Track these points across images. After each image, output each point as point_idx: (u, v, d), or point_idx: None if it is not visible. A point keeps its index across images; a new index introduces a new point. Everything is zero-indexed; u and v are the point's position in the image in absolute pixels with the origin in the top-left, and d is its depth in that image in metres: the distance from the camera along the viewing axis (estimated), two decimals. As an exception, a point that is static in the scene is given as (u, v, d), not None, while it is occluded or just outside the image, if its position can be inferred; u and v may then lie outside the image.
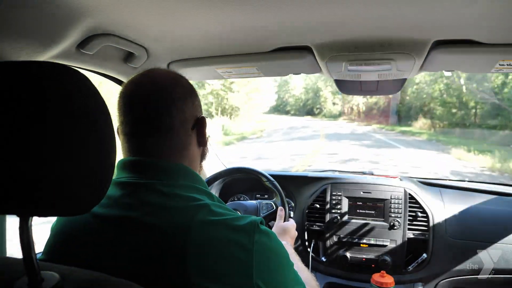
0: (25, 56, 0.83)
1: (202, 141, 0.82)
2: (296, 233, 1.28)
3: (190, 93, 0.79)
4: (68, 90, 0.45)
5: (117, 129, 0.79)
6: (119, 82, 1.29)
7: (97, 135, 0.46)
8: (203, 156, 0.86)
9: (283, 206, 1.38)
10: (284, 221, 1.31)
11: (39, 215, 0.46)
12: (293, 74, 1.36)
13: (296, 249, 1.16)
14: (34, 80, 0.44)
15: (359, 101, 36.24)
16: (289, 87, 50.42)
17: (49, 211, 0.46)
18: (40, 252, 0.72)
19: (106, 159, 0.48)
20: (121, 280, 0.53)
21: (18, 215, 0.47)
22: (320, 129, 24.18)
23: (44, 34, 0.81)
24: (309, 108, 47.97)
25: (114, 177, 0.73)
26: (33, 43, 0.81)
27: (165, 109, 0.74)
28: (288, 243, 1.16)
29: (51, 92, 0.44)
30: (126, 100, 0.75)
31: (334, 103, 43.83)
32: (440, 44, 1.06)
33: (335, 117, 41.31)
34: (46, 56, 0.89)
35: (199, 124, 0.80)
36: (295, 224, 1.29)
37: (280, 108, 56.73)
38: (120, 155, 0.78)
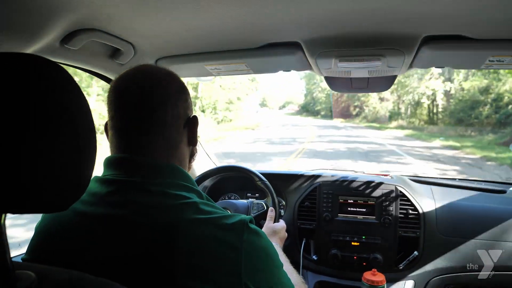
0: (5, 50, 0.81)
1: (192, 140, 0.81)
2: (286, 234, 1.28)
3: (183, 90, 0.78)
4: (47, 84, 0.44)
5: (106, 124, 0.77)
6: (105, 78, 1.27)
7: (75, 130, 0.45)
8: (192, 155, 0.85)
9: (274, 207, 1.37)
10: (274, 222, 1.30)
11: (13, 212, 0.44)
12: (283, 71, 1.35)
13: (287, 247, 1.15)
14: (12, 73, 0.42)
15: (436, 86, 16.54)
16: (319, 78, 25.10)
17: (24, 208, 0.44)
18: (23, 254, 0.70)
19: (85, 154, 0.46)
20: (102, 279, 0.51)
21: None
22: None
23: (25, 28, 0.79)
24: (344, 107, 33.48)
25: (100, 174, 0.71)
26: (14, 37, 0.79)
27: (160, 105, 0.72)
28: (277, 244, 1.16)
29: (29, 86, 0.43)
30: (118, 95, 0.73)
31: (381, 98, 25.79)
32: (430, 40, 1.06)
33: (382, 122, 25.22)
34: (28, 51, 0.87)
35: (191, 123, 0.79)
36: (285, 226, 1.29)
37: (309, 108, 44.89)
38: (105, 152, 0.76)
